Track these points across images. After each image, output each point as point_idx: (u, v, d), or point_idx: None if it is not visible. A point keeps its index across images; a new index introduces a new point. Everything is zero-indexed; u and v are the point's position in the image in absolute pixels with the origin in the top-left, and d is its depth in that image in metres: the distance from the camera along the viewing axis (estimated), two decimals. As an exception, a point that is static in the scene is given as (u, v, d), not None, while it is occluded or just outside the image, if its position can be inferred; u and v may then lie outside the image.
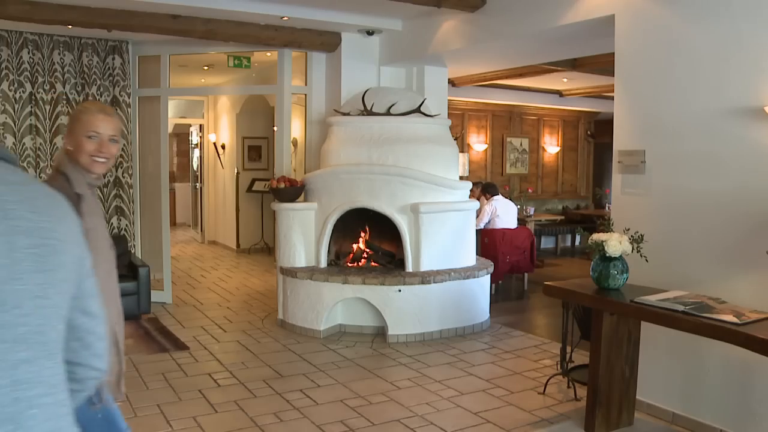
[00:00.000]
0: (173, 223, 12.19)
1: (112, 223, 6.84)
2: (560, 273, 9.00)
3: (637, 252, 3.53)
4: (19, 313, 0.87)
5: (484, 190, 7.97)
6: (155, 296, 6.74)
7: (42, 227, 0.93)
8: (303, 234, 5.96)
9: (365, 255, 6.08)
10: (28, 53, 6.35)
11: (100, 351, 1.07)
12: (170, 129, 10.21)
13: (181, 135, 14.73)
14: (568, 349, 4.31)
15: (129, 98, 6.85)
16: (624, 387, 3.72)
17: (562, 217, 10.57)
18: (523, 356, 5.22)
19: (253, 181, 10.29)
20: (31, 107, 6.42)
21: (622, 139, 4.13)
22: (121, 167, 6.85)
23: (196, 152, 12.46)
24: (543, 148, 11.58)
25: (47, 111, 6.48)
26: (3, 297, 0.86)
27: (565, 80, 9.45)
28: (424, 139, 5.94)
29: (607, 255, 3.45)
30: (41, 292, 0.91)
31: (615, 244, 3.42)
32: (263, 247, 10.57)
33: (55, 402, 0.91)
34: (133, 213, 6.97)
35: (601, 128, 11.88)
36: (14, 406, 0.84)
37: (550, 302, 6.73)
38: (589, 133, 12.07)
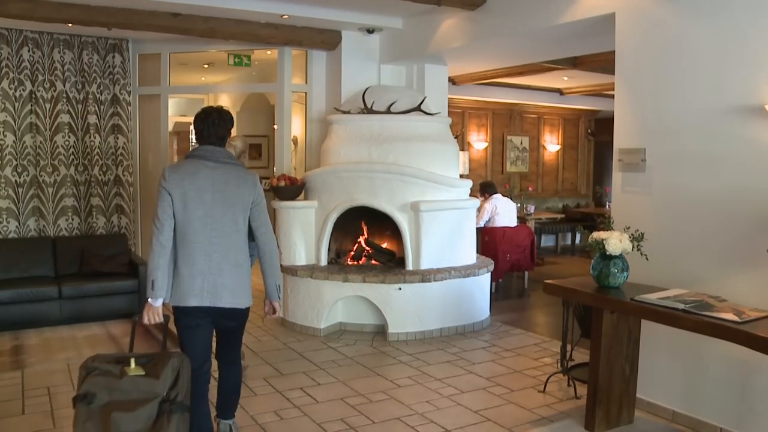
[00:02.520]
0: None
1: (112, 221, 6.85)
2: (560, 271, 9.00)
3: (638, 250, 3.53)
4: (224, 230, 3.10)
5: (481, 189, 7.97)
6: None
7: (231, 190, 3.11)
8: (303, 232, 5.96)
9: (365, 253, 6.06)
10: (29, 51, 6.37)
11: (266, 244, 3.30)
12: (170, 127, 10.19)
13: (182, 133, 14.66)
14: (569, 347, 4.31)
15: (129, 96, 6.86)
16: (624, 385, 3.72)
17: (563, 216, 10.54)
18: (524, 354, 5.21)
19: (254, 180, 10.28)
20: (31, 105, 6.43)
21: (622, 138, 4.12)
22: (122, 165, 6.85)
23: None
24: (543, 146, 11.57)
25: (47, 109, 6.50)
26: (221, 227, 3.08)
27: (565, 78, 9.43)
28: (424, 138, 5.93)
29: (608, 253, 3.45)
30: (234, 221, 3.13)
31: (615, 242, 3.42)
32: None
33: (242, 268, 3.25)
34: (133, 211, 6.98)
35: (601, 126, 11.87)
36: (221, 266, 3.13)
37: (550, 300, 6.73)
38: (589, 131, 12.06)
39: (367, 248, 6.09)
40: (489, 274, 6.15)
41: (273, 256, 3.34)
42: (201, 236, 3.07)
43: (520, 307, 7.06)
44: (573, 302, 4.23)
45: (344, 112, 6.10)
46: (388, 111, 5.95)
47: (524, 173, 11.34)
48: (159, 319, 3.07)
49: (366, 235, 6.13)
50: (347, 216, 5.91)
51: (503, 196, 7.96)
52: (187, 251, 3.07)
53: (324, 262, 5.94)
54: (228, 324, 3.33)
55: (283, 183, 6.00)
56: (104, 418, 2.58)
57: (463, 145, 10.35)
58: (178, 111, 12.83)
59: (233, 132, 3.34)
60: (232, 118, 3.26)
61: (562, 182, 11.89)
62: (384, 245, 6.15)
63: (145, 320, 3.08)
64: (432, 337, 5.63)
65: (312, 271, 5.72)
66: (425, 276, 5.57)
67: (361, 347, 5.38)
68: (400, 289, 5.51)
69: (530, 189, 11.19)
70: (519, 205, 9.17)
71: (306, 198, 6.14)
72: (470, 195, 6.27)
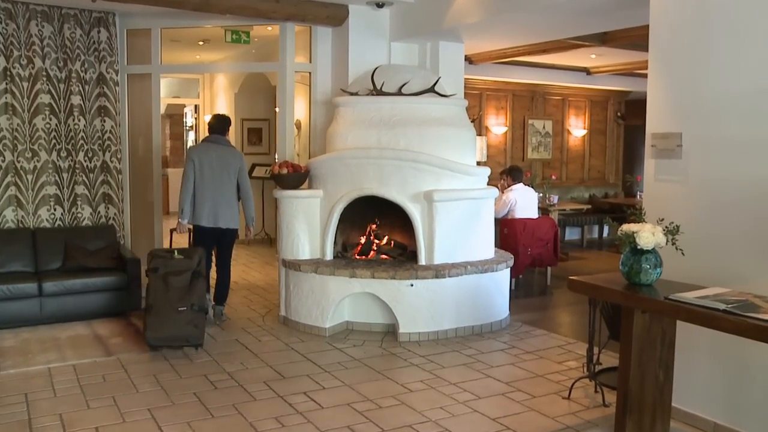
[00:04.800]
0: (166, 212, 12.22)
1: (99, 212, 6.85)
2: (586, 267, 9.00)
3: (672, 244, 3.49)
4: (222, 183, 5.86)
5: (509, 173, 7.96)
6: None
7: (228, 161, 5.94)
8: (307, 224, 5.97)
9: (374, 247, 6.09)
10: (0, 23, 6.28)
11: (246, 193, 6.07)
12: (162, 110, 10.21)
13: (175, 116, 14.74)
14: (596, 350, 4.30)
15: (117, 76, 6.84)
16: (658, 393, 3.69)
17: (589, 206, 10.51)
18: (546, 357, 5.21)
19: (254, 166, 10.26)
20: (6, 84, 6.37)
21: (656, 121, 4.08)
22: (109, 151, 6.83)
23: (191, 135, 12.48)
24: (568, 131, 11.53)
25: (25, 88, 6.44)
26: (220, 181, 5.86)
27: (593, 56, 9.37)
28: (438, 121, 5.93)
29: (639, 248, 3.41)
30: (228, 176, 5.90)
31: (647, 235, 3.38)
32: (264, 237, 10.61)
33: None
34: (121, 201, 6.98)
35: (632, 109, 11.82)
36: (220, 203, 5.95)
37: (575, 299, 6.74)
38: (618, 114, 12.00)
39: (377, 241, 6.11)
40: (508, 269, 6.15)
41: (249, 201, 6.08)
42: (209, 186, 5.88)
43: (542, 306, 7.06)
44: (600, 301, 4.21)
45: (352, 94, 6.10)
46: (399, 92, 5.95)
47: (547, 160, 11.31)
48: (185, 231, 6.02)
49: (375, 227, 6.15)
50: (355, 206, 5.92)
51: (525, 185, 7.97)
52: (201, 194, 5.88)
53: (329, 256, 5.95)
54: (223, 239, 6.06)
55: (285, 170, 6.00)
56: (164, 279, 5.38)
57: (481, 129, 10.35)
58: (170, 92, 12.85)
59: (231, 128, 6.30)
60: (230, 119, 6.33)
61: (588, 170, 11.87)
62: (392, 238, 6.15)
63: (179, 231, 6.05)
64: (446, 337, 5.64)
65: (317, 265, 5.73)
66: (439, 271, 5.57)
67: (370, 348, 5.39)
68: (411, 285, 5.52)
69: (553, 177, 11.15)
70: (541, 194, 9.15)
71: (310, 187, 6.16)
72: (489, 183, 6.27)
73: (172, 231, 6.31)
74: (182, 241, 6.79)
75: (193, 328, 5.23)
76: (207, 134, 6.16)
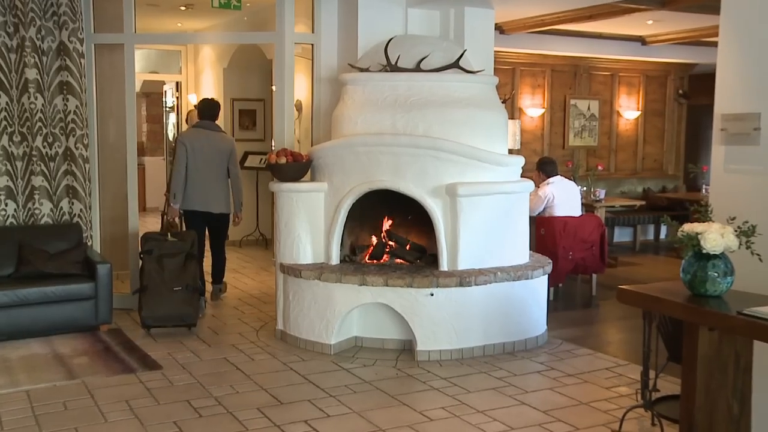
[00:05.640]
0: (142, 208, 12.27)
1: (61, 208, 6.81)
2: (640, 274, 8.98)
3: (747, 248, 3.44)
4: (213, 168, 6.97)
5: (539, 167, 7.98)
6: (118, 301, 6.74)
7: (219, 147, 7.06)
8: (309, 222, 5.99)
9: (388, 249, 6.09)
10: None
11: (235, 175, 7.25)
12: (138, 87, 10.24)
13: (153, 95, 14.78)
14: (652, 373, 4.23)
15: (81, 46, 6.77)
16: (732, 427, 3.63)
17: (643, 203, 10.44)
18: (592, 381, 5.19)
19: (246, 155, 10.32)
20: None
21: (727, 99, 4.04)
22: (73, 135, 6.78)
23: (172, 117, 12.52)
24: (618, 112, 11.47)
25: (-37, 59, 6.45)
26: (212, 167, 6.97)
27: (649, 23, 9.29)
28: (463, 102, 5.92)
29: (705, 252, 3.37)
30: (220, 162, 6.98)
31: (715, 237, 3.34)
32: (258, 238, 10.65)
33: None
34: (89, 195, 6.94)
35: (697, 85, 11.71)
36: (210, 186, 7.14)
37: (626, 312, 6.69)
38: (680, 92, 11.93)
39: (391, 243, 6.12)
40: (546, 276, 6.16)
41: (238, 185, 7.20)
42: (201, 171, 6.89)
43: (586, 320, 7.08)
44: (657, 315, 4.16)
45: (361, 70, 6.11)
46: (418, 68, 5.95)
47: (592, 147, 11.27)
48: (176, 215, 7.03)
49: (389, 227, 6.15)
50: (365, 202, 5.94)
51: (564, 177, 7.95)
52: (193, 179, 6.88)
53: (335, 260, 5.96)
54: (215, 223, 7.16)
55: (283, 160, 6.02)
56: (158, 261, 6.31)
57: (514, 111, 10.33)
58: (147, 66, 12.88)
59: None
60: (219, 104, 7.37)
61: (642, 159, 11.81)
62: (408, 239, 6.15)
63: (170, 216, 7.02)
64: (472, 356, 5.64)
65: (320, 271, 5.74)
66: (464, 278, 5.57)
67: (383, 369, 5.39)
68: (432, 294, 5.52)
69: (600, 168, 11.02)
70: (585, 188, 9.14)
71: (313, 179, 6.19)
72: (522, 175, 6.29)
73: (163, 214, 7.34)
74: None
75: (188, 308, 6.26)
76: (194, 119, 7.44)
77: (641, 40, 10.67)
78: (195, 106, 8.11)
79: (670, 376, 4.37)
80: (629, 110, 11.56)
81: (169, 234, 6.64)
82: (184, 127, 12.60)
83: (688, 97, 11.94)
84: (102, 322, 6.28)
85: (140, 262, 6.55)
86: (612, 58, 11.04)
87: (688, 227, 3.46)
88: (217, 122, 7.18)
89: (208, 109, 7.17)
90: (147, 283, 6.23)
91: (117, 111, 7.27)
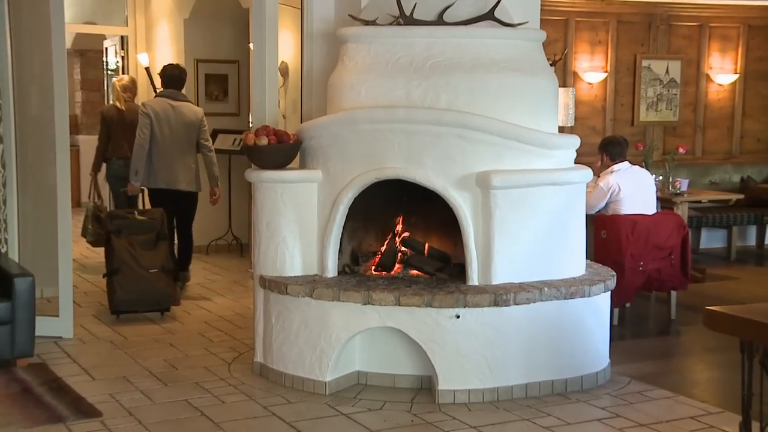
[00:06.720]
0: (76, 203, 11.92)
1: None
2: (736, 292, 8.76)
3: None
4: (181, 143, 8.41)
5: (602, 148, 7.77)
6: (43, 327, 6.37)
7: (187, 118, 8.51)
8: (298, 222, 5.78)
9: (401, 257, 5.92)
10: None
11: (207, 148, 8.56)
12: (69, 43, 10.16)
13: (89, 54, 14.53)
14: (755, 424, 4.01)
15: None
16: None
17: (741, 197, 10.10)
18: (672, 434, 4.69)
19: (216, 133, 10.02)
20: None
21: None
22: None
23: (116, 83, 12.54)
24: (708, 76, 11.01)
25: None
26: (179, 141, 8.41)
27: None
28: (500, 65, 5.63)
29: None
30: (187, 136, 8.38)
31: None
32: (231, 243, 10.50)
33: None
34: (3, 186, 6.63)
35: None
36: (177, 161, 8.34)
37: (717, 342, 6.37)
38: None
39: (404, 249, 5.95)
40: (608, 293, 5.90)
41: (211, 158, 8.07)
42: (168, 145, 7.71)
43: (663, 352, 6.87)
44: (761, 347, 3.97)
45: (367, 23, 5.84)
46: (440, 20, 5.70)
47: (672, 124, 10.93)
48: (137, 192, 8.03)
49: (402, 228, 5.99)
50: (371, 196, 5.71)
51: (633, 164, 7.74)
52: (158, 154, 7.67)
53: (332, 271, 5.73)
54: (182, 203, 7.89)
55: (265, 140, 5.76)
56: (128, 240, 7.25)
57: (566, 77, 10.14)
58: (81, 16, 12.85)
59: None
60: (186, 71, 8.45)
61: (740, 138, 11.39)
62: (427, 244, 6.01)
63: (130, 192, 7.96)
64: (511, 398, 5.40)
65: (312, 286, 5.48)
66: (500, 296, 5.30)
67: (393, 414, 5.17)
68: (458, 317, 5.28)
69: (682, 150, 10.50)
70: (661, 178, 8.96)
71: (303, 166, 5.97)
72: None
73: (124, 192, 8.05)
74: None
75: (165, 290, 7.06)
76: (120, 96, 8.61)
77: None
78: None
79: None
80: (723, 73, 11.06)
81: (135, 212, 7.49)
82: (138, 98, 12.63)
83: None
84: (20, 355, 5.83)
85: (109, 242, 7.33)
86: (700, 3, 10.60)
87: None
88: (183, 91, 7.78)
89: (172, 76, 7.89)
90: (118, 266, 6.94)
91: (41, 75, 6.93)
